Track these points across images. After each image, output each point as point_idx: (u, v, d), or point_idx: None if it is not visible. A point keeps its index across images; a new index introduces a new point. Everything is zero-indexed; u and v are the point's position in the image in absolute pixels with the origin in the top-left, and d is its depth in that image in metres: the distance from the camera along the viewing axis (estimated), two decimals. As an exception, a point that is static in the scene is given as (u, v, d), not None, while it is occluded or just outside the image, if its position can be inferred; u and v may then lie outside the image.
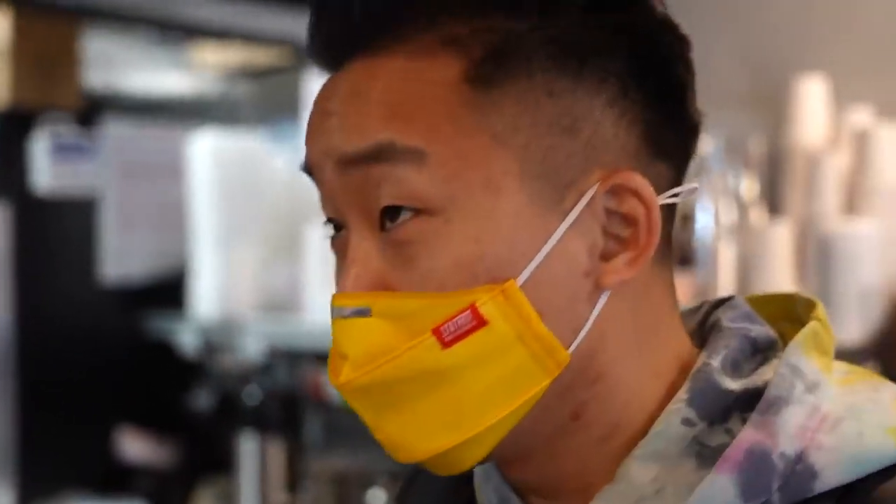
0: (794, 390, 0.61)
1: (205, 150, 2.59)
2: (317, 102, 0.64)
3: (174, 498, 2.70)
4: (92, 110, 2.77)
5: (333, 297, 0.63)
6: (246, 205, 2.59)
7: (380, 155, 0.60)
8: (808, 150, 1.92)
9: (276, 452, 2.47)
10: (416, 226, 0.60)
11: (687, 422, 0.62)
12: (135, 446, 2.73)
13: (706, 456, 0.61)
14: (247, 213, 2.59)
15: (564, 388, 0.61)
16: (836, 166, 1.86)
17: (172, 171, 2.74)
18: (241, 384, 2.66)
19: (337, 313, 0.62)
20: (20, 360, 2.63)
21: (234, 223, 2.57)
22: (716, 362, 0.63)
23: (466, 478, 0.72)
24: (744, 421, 0.61)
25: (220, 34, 2.64)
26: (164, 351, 2.72)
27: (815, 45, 2.03)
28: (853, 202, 1.85)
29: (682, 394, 0.63)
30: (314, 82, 2.60)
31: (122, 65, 3.11)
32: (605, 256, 0.62)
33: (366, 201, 0.61)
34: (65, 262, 2.71)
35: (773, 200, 1.98)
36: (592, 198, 0.60)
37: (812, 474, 0.59)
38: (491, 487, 0.69)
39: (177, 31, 2.61)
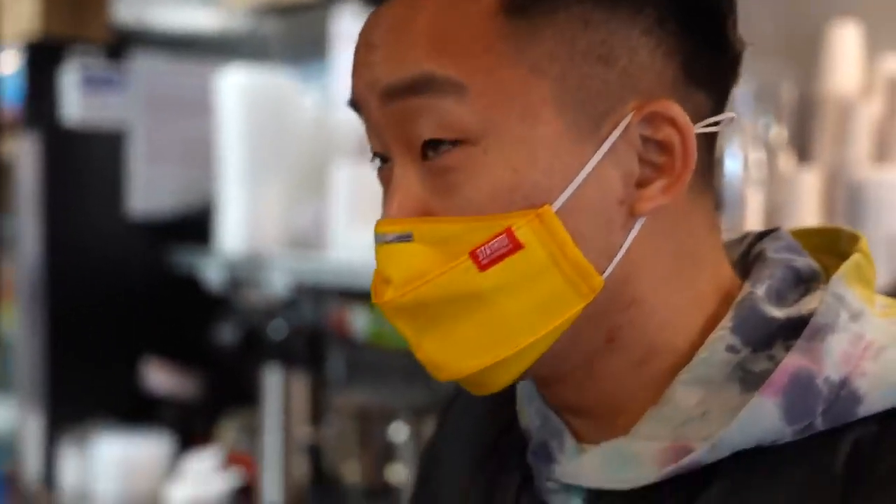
0: (838, 319, 0.61)
1: (233, 86, 2.58)
2: (361, 35, 0.65)
3: (198, 429, 2.73)
4: (121, 44, 2.78)
5: (377, 223, 0.64)
6: (273, 142, 2.58)
7: (420, 86, 0.60)
8: (840, 98, 1.89)
9: (300, 386, 2.49)
10: (456, 155, 0.61)
11: (731, 348, 0.63)
12: (160, 378, 2.76)
13: (750, 381, 0.62)
14: (274, 150, 2.58)
15: (599, 312, 0.62)
16: (868, 114, 1.84)
17: (201, 107, 2.74)
18: (266, 319, 2.68)
19: (380, 239, 0.63)
20: (49, 291, 2.66)
21: (261, 160, 2.57)
22: (760, 291, 0.64)
23: (506, 400, 0.74)
24: (787, 348, 0.62)
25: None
26: (190, 285, 2.73)
27: (851, -9, 2.00)
28: (884, 150, 1.83)
29: (727, 321, 0.64)
30: (343, 20, 2.60)
31: (150, 3, 3.10)
32: (641, 183, 0.62)
33: (408, 133, 0.62)
34: (93, 194, 2.73)
35: (802, 148, 1.96)
36: (628, 126, 0.61)
37: (856, 399, 0.59)
38: (533, 410, 0.70)
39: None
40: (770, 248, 0.68)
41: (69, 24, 2.67)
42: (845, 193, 1.77)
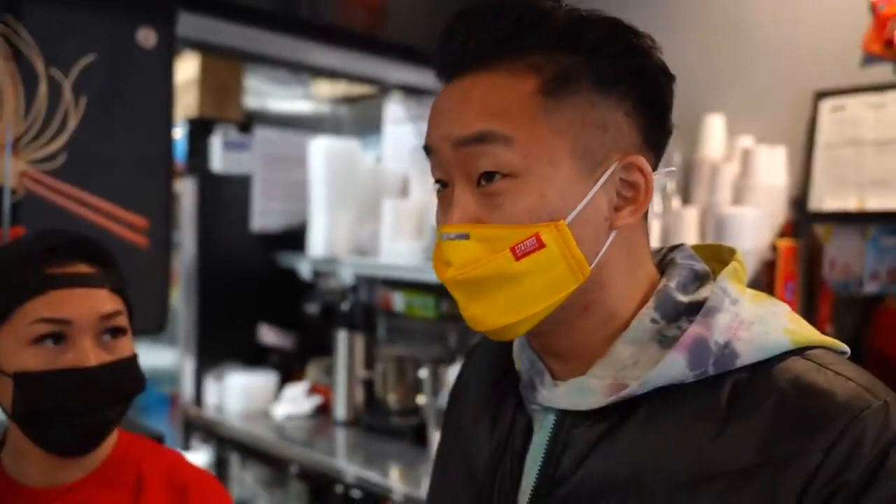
0: (723, 303, 0.62)
1: (320, 148, 2.58)
2: (436, 105, 0.65)
3: (294, 369, 2.73)
4: (249, 121, 2.77)
5: (442, 226, 0.64)
6: (345, 184, 2.58)
7: (483, 138, 0.61)
8: (711, 162, 1.89)
9: (359, 342, 2.49)
10: (503, 184, 0.61)
11: (653, 321, 0.63)
12: (269, 335, 2.75)
13: (665, 342, 0.63)
14: (345, 190, 2.58)
15: (582, 290, 0.62)
16: (728, 172, 1.83)
17: (298, 161, 2.74)
18: (338, 299, 2.67)
19: (444, 237, 0.63)
20: (200, 279, 2.66)
21: (337, 196, 2.56)
22: (672, 284, 0.65)
23: (507, 351, 0.74)
24: (689, 321, 0.62)
25: (332, 73, 2.62)
26: (290, 275, 2.74)
27: (717, 94, 1.99)
28: (738, 196, 1.82)
29: (651, 303, 0.64)
30: (390, 106, 2.59)
31: (267, 95, 3.10)
32: (617, 208, 0.62)
33: (469, 167, 0.62)
34: (229, 217, 2.72)
35: (686, 193, 1.96)
36: (613, 171, 0.61)
37: (734, 355, 0.60)
38: (525, 357, 0.70)
39: (304, 71, 2.59)
40: (678, 257, 0.68)
41: (216, 109, 2.67)
42: (713, 224, 1.76)
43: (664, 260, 0.69)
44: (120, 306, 0.93)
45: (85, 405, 0.87)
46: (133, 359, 0.94)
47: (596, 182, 0.61)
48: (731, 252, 0.69)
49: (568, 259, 0.60)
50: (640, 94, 0.62)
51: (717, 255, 0.70)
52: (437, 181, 0.66)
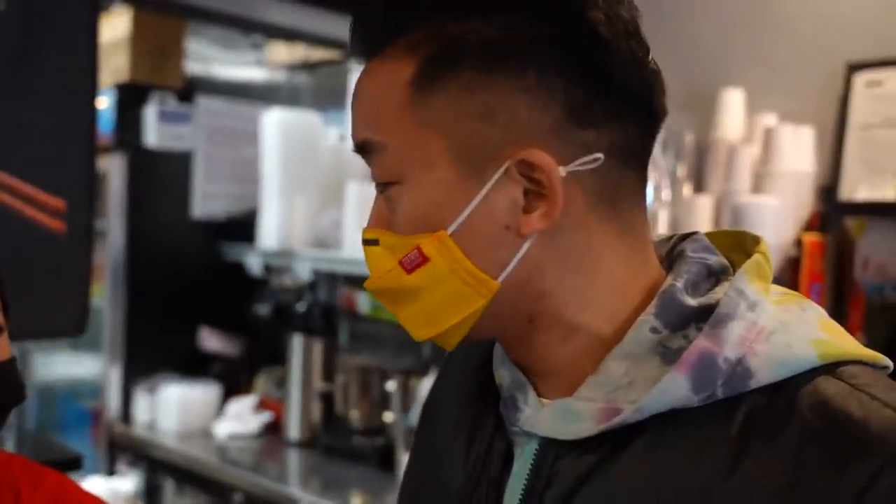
0: (738, 308, 0.59)
1: (273, 122, 2.55)
2: None
3: (240, 380, 2.70)
4: (190, 88, 2.74)
5: (362, 231, 0.66)
6: (303, 164, 2.56)
7: (364, 147, 0.63)
8: (728, 144, 1.89)
9: (317, 349, 2.47)
10: (391, 191, 0.62)
11: (654, 330, 0.60)
12: (212, 341, 2.72)
13: (668, 356, 0.60)
14: (303, 171, 2.56)
15: (513, 302, 0.61)
16: (747, 156, 1.83)
17: (248, 137, 2.71)
18: (293, 298, 2.65)
19: (362, 242, 0.65)
20: (129, 273, 2.63)
21: (294, 178, 2.54)
22: (679, 283, 0.61)
23: (488, 362, 0.72)
24: (699, 329, 0.59)
25: (288, 34, 2.59)
26: (237, 270, 2.71)
27: (736, 66, 2.00)
28: (758, 183, 1.82)
29: (651, 308, 0.61)
30: (357, 74, 2.58)
31: (213, 59, 3.07)
32: (528, 210, 0.60)
33: (370, 174, 0.64)
34: (165, 200, 2.69)
35: (698, 180, 1.96)
36: (508, 167, 0.59)
37: (748, 374, 0.57)
38: (505, 370, 0.68)
39: (258, 32, 2.56)
40: (689, 249, 0.65)
41: (151, 74, 2.63)
42: (730, 215, 1.76)
43: (673, 252, 0.67)
44: None
45: None
46: (10, 363, 0.90)
47: (484, 185, 0.59)
48: (756, 241, 0.66)
49: (459, 273, 0.60)
50: (550, 61, 0.58)
51: (740, 245, 0.67)
52: None
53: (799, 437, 0.54)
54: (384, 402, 2.28)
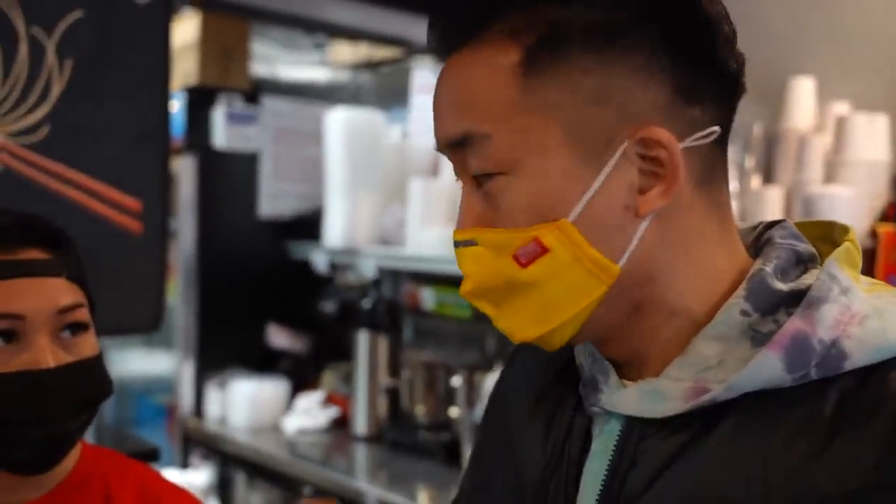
0: (831, 292, 0.59)
1: (337, 121, 2.59)
2: (433, 97, 0.66)
3: (307, 376, 2.75)
4: (256, 90, 2.80)
5: (454, 232, 0.65)
6: (366, 163, 2.59)
7: (463, 141, 0.61)
8: (798, 133, 1.85)
9: (383, 346, 2.50)
10: (496, 183, 0.61)
11: (744, 313, 0.61)
12: (280, 337, 2.78)
13: (758, 339, 0.60)
14: (367, 169, 2.59)
15: (624, 289, 0.61)
16: (820, 145, 1.79)
17: (313, 137, 2.76)
18: (359, 295, 2.69)
19: (456, 245, 0.64)
20: (200, 272, 2.70)
21: (358, 177, 2.57)
22: (769, 268, 0.62)
23: (564, 347, 0.71)
24: (788, 314, 0.60)
25: (351, 34, 2.63)
26: (303, 268, 2.76)
27: (806, 53, 1.95)
28: (830, 173, 1.78)
29: (741, 291, 0.61)
30: (418, 73, 2.59)
31: (277, 60, 3.13)
32: (643, 190, 0.60)
33: (465, 169, 0.63)
34: (233, 200, 2.75)
35: (767, 171, 1.92)
36: (625, 149, 0.59)
37: (843, 356, 0.57)
38: (587, 349, 0.69)
39: (321, 32, 2.60)
40: (777, 235, 0.65)
41: (219, 76, 2.70)
42: (801, 206, 1.72)
43: (760, 239, 0.67)
44: (80, 298, 0.92)
45: (43, 414, 0.87)
46: (98, 358, 0.93)
47: (602, 168, 0.59)
48: (845, 231, 0.66)
49: (582, 262, 0.59)
50: (656, 39, 0.59)
51: (827, 235, 0.67)
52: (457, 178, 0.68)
53: (892, 421, 0.54)
54: (449, 397, 2.30)
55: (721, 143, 0.63)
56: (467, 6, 0.62)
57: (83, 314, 0.92)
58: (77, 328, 0.91)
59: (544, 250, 0.59)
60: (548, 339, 0.63)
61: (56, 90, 1.60)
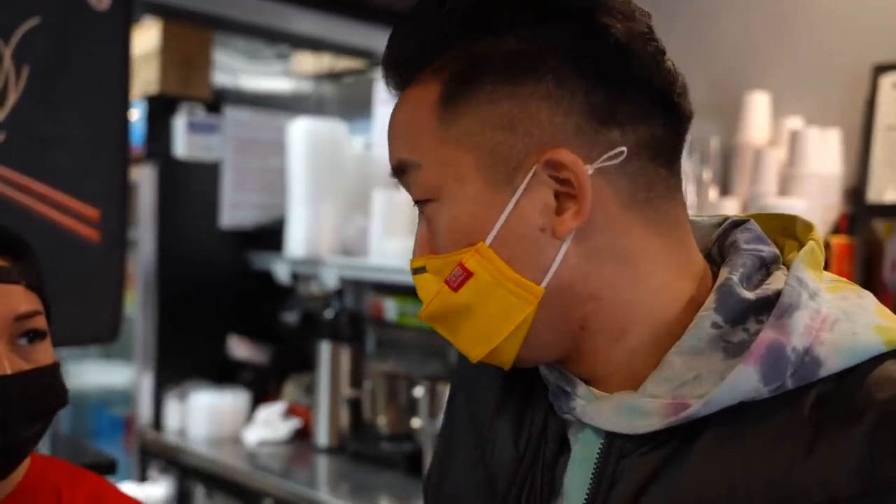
0: (801, 298, 0.59)
1: (300, 131, 2.58)
2: None
3: (268, 387, 2.73)
4: (218, 100, 2.78)
5: (410, 261, 0.67)
6: (329, 173, 2.58)
7: (400, 168, 0.65)
8: (754, 147, 1.88)
9: (345, 356, 2.48)
10: (429, 209, 0.64)
11: (715, 325, 0.61)
12: (241, 348, 2.75)
13: (730, 350, 0.60)
14: (329, 179, 2.58)
15: (561, 308, 0.62)
16: (774, 158, 1.83)
17: (275, 147, 2.75)
18: (321, 306, 2.67)
19: (412, 272, 0.67)
20: (160, 282, 2.66)
21: (320, 187, 2.57)
22: (735, 277, 0.62)
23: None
24: (757, 321, 0.60)
25: (314, 44, 2.63)
26: (265, 279, 2.74)
27: (761, 69, 1.99)
28: (785, 186, 1.82)
29: (710, 303, 0.61)
30: (382, 84, 2.61)
31: (239, 71, 3.12)
32: (559, 212, 0.61)
33: (410, 195, 0.66)
34: (194, 210, 2.72)
35: (724, 184, 1.96)
36: (535, 172, 0.60)
37: (817, 363, 0.58)
38: (556, 372, 0.68)
39: (283, 42, 2.60)
40: (742, 239, 0.65)
41: (180, 85, 2.68)
42: (756, 217, 1.76)
43: (724, 241, 0.67)
44: (38, 306, 0.92)
45: (1, 420, 0.86)
46: (55, 367, 0.93)
47: (514, 192, 0.60)
48: (808, 228, 0.66)
49: (503, 283, 0.61)
50: (574, 66, 0.60)
51: (787, 228, 0.68)
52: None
53: (875, 422, 0.55)
54: (412, 408, 2.29)
55: (664, 160, 0.63)
56: (404, 52, 0.65)
57: (41, 322, 0.91)
58: (34, 336, 0.90)
59: (469, 274, 0.61)
60: (496, 358, 0.64)
61: (12, 98, 1.57)
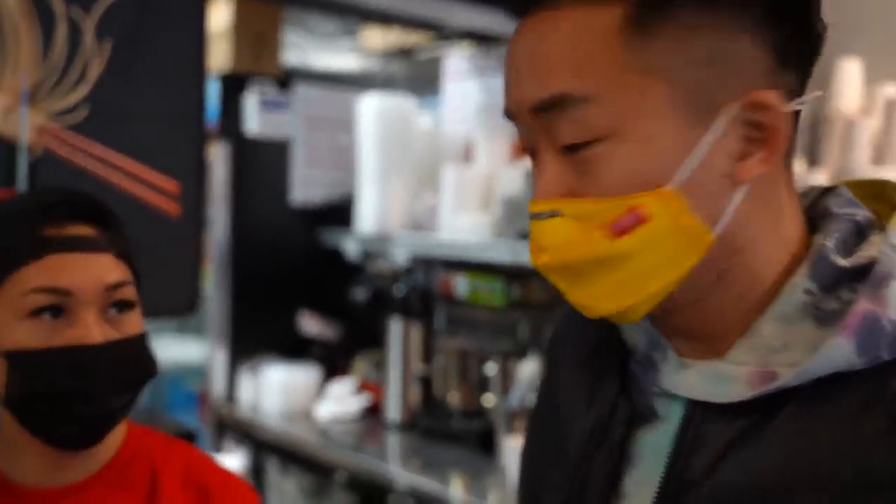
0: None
1: (369, 108, 2.57)
2: (507, 57, 0.61)
3: (339, 363, 2.73)
4: (288, 77, 2.78)
5: (532, 203, 0.61)
6: (398, 150, 2.56)
7: (558, 102, 0.57)
8: (845, 116, 1.80)
9: (415, 333, 2.47)
10: (592, 150, 0.57)
11: (807, 292, 0.58)
12: (311, 325, 2.76)
13: (821, 318, 0.58)
14: (398, 156, 2.56)
15: (711, 260, 0.58)
16: (867, 128, 1.74)
17: (345, 124, 2.74)
18: (391, 282, 2.66)
19: (535, 216, 0.61)
20: (234, 260, 2.69)
21: (389, 163, 2.55)
22: (830, 243, 0.59)
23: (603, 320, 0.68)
24: (851, 291, 0.57)
25: (383, 17, 2.60)
26: (335, 256, 2.74)
27: (853, 34, 1.89)
28: (879, 156, 1.73)
29: (804, 269, 0.59)
30: (450, 60, 2.56)
31: (309, 49, 3.11)
32: (742, 157, 0.57)
33: (553, 135, 0.59)
34: (265, 187, 2.73)
35: (812, 155, 1.87)
36: (731, 113, 0.56)
37: None
38: (641, 330, 0.65)
39: (353, 15, 2.58)
40: (833, 205, 0.62)
41: (251, 63, 2.68)
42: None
43: (816, 207, 0.64)
44: (127, 275, 0.91)
45: (89, 389, 0.86)
46: (143, 337, 0.92)
47: (707, 132, 0.56)
48: None
49: (680, 230, 0.56)
50: (763, 1, 0.57)
51: (882, 194, 0.64)
52: (525, 149, 0.64)
53: None
54: (483, 385, 2.27)
55: (798, 113, 0.60)
56: None
57: (130, 292, 0.91)
58: (124, 306, 0.90)
59: (643, 219, 0.56)
60: (629, 312, 0.60)
61: (95, 71, 1.58)
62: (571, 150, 0.58)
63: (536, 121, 0.59)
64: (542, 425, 0.76)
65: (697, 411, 0.61)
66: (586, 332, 0.72)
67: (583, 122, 0.56)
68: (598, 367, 0.69)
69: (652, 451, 0.63)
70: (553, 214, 0.59)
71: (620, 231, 0.56)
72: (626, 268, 0.58)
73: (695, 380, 0.61)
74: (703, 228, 0.57)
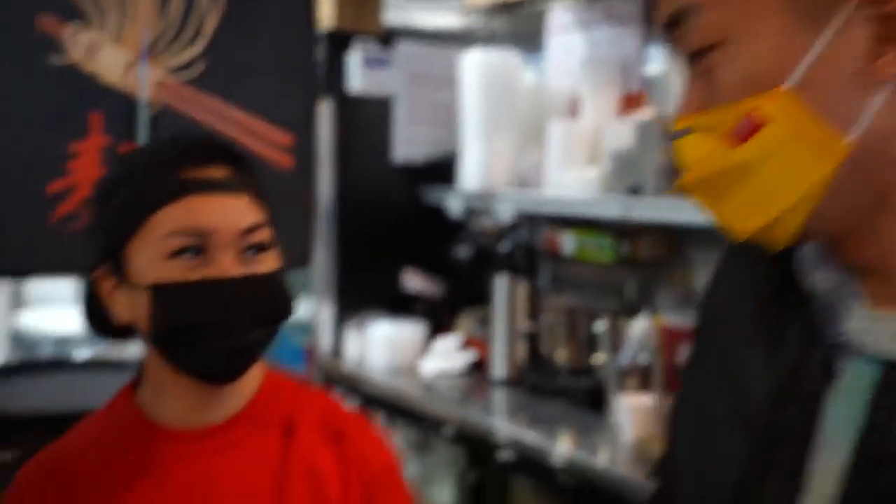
0: None
1: (472, 64, 2.54)
2: None
3: (443, 320, 2.74)
4: (391, 35, 2.77)
5: (672, 123, 0.60)
6: (502, 105, 2.52)
7: (679, 15, 0.57)
8: None
9: (521, 290, 2.44)
10: (710, 58, 0.56)
11: None
12: (415, 282, 2.77)
13: None
14: (502, 111, 2.52)
15: (862, 171, 0.53)
16: None
17: (448, 81, 2.71)
18: (495, 240, 2.64)
19: (674, 136, 0.59)
20: (339, 218, 2.71)
21: (493, 119, 2.52)
22: None
23: (781, 262, 0.63)
24: None
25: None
26: (438, 213, 2.73)
27: None
28: None
29: None
30: (554, 14, 2.49)
31: (410, 7, 3.08)
32: (878, 54, 0.52)
33: (683, 49, 0.58)
34: (369, 145, 2.74)
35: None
36: (856, 8, 0.51)
37: None
38: (824, 275, 0.60)
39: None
40: None
41: (354, 21, 2.68)
42: None
43: None
44: (262, 217, 0.91)
45: (228, 321, 0.87)
46: (279, 273, 0.92)
47: (825, 28, 0.52)
48: None
49: (803, 135, 0.52)
50: None
51: None
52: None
53: None
54: (591, 343, 2.23)
55: None
56: None
57: (267, 234, 0.91)
58: (260, 248, 0.90)
59: (759, 124, 0.53)
60: (770, 233, 0.55)
61: (210, 26, 1.60)
62: (696, 60, 0.56)
63: (675, 38, 0.58)
64: (704, 379, 0.70)
65: (893, 373, 0.54)
66: (755, 280, 0.66)
67: (701, 28, 0.55)
68: (778, 318, 0.62)
69: (840, 417, 0.56)
70: (685, 132, 0.57)
71: (740, 138, 0.53)
72: (753, 179, 0.54)
73: (888, 334, 0.54)
74: (832, 133, 0.52)
